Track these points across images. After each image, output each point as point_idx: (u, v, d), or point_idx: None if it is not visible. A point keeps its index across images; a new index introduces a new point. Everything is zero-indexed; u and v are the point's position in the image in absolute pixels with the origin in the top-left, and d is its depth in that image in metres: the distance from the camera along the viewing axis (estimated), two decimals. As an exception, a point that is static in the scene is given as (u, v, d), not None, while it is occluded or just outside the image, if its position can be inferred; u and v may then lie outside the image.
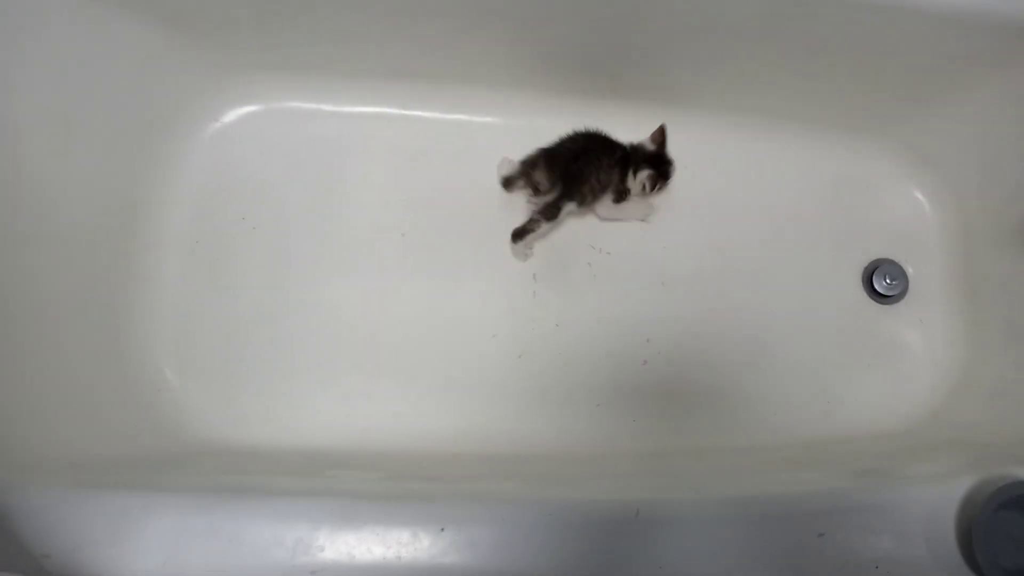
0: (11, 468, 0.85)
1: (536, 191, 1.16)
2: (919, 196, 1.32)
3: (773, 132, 1.31)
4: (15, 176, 1.01)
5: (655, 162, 1.19)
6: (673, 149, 1.21)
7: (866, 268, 1.29)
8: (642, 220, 1.26)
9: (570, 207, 1.16)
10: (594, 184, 1.16)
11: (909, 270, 1.29)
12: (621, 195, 1.20)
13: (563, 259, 1.24)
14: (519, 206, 1.22)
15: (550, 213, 1.15)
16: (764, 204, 1.30)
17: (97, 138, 1.11)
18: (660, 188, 1.20)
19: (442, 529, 0.78)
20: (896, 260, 1.29)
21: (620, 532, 0.80)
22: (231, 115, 1.22)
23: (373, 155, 1.24)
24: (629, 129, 1.20)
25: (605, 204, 1.22)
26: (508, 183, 1.19)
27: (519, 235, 1.17)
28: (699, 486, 0.92)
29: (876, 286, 1.27)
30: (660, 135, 1.20)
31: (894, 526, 0.83)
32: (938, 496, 0.84)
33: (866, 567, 0.81)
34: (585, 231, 1.24)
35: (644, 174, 1.17)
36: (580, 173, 1.15)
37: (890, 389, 1.24)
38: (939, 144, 1.27)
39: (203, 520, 0.77)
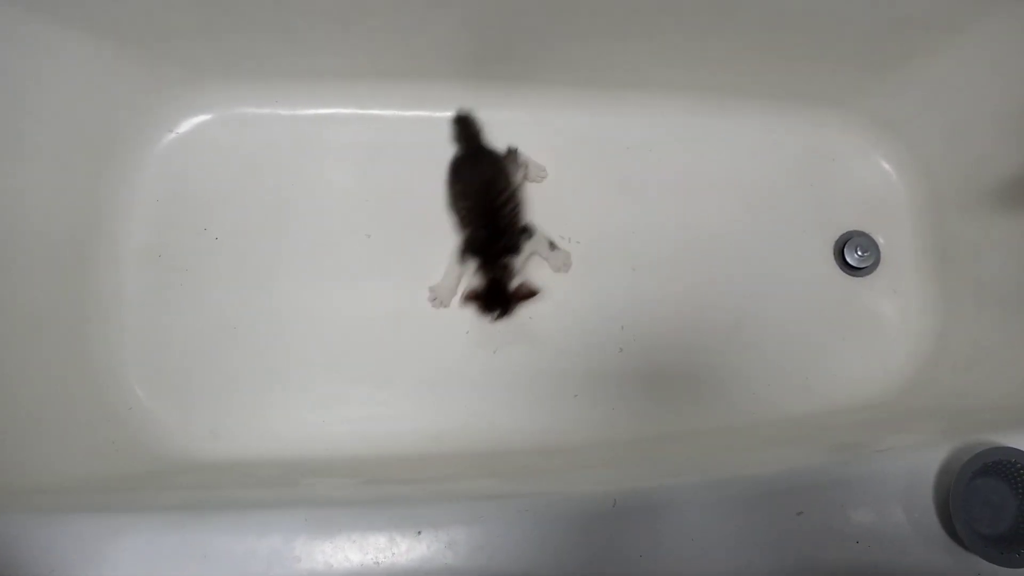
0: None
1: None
2: (886, 166, 1.32)
3: (735, 109, 1.30)
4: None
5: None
6: (636, 132, 1.21)
7: (837, 241, 1.29)
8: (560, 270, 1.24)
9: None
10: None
11: (880, 240, 1.29)
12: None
13: (532, 250, 1.23)
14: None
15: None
16: (731, 182, 1.29)
17: (51, 155, 1.09)
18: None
19: (419, 532, 0.77)
20: (867, 231, 1.29)
21: (599, 524, 0.79)
22: (186, 125, 1.20)
23: (332, 156, 1.23)
24: (587, 114, 1.20)
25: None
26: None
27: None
28: (678, 471, 0.92)
29: (848, 258, 1.27)
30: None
31: (873, 499, 0.82)
32: (915, 466, 0.84)
33: (847, 542, 0.81)
34: (553, 221, 1.23)
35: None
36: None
37: (866, 360, 1.24)
38: (902, 112, 1.27)
39: (177, 538, 0.76)
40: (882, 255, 1.28)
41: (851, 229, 1.29)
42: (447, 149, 1.20)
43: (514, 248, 1.15)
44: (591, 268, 1.23)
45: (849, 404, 1.19)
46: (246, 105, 1.22)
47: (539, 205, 1.24)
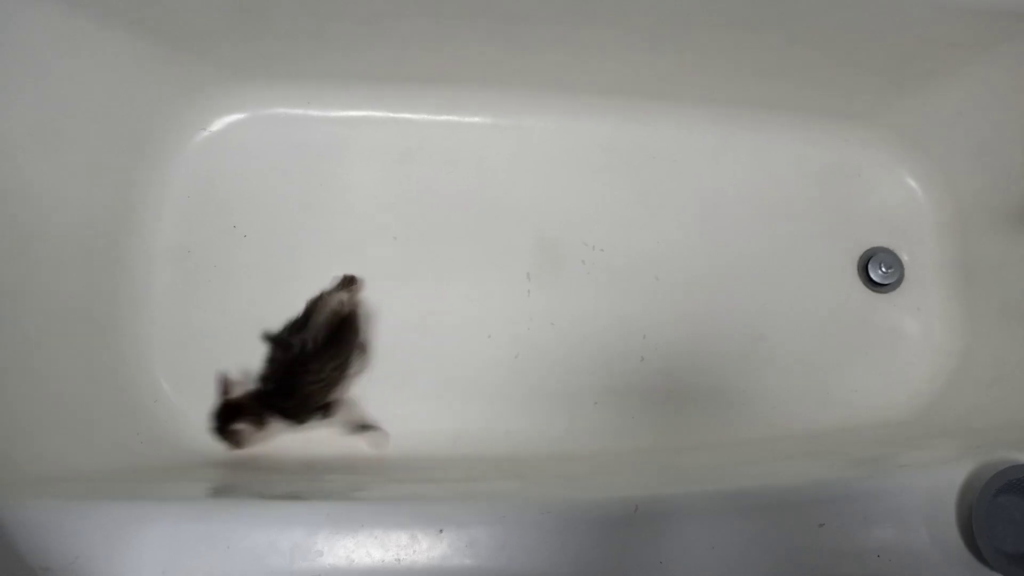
0: (8, 483, 0.85)
1: None
2: (911, 182, 1.32)
3: (761, 122, 1.30)
4: (2, 190, 1.01)
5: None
6: (661, 142, 1.21)
7: (861, 257, 1.29)
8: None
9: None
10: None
11: (904, 257, 1.29)
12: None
13: (557, 257, 1.23)
14: (515, 209, 1.23)
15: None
16: (755, 195, 1.29)
17: (85, 151, 1.10)
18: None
19: (440, 531, 0.77)
20: (891, 248, 1.29)
21: (619, 529, 0.79)
22: (218, 124, 1.22)
23: (362, 159, 1.24)
24: (612, 122, 1.20)
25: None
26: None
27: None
28: (698, 481, 0.92)
29: (872, 275, 1.26)
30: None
31: (895, 514, 0.82)
32: (938, 482, 0.83)
33: (868, 556, 0.80)
34: (578, 228, 1.24)
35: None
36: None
37: (889, 378, 1.23)
38: (928, 128, 1.27)
39: (200, 528, 0.77)
40: (906, 272, 1.28)
41: (875, 245, 1.29)
42: (476, 154, 1.21)
43: (289, 414, 1.05)
44: (614, 276, 1.24)
45: (871, 420, 1.19)
46: (278, 105, 1.23)
47: (563, 212, 1.24)
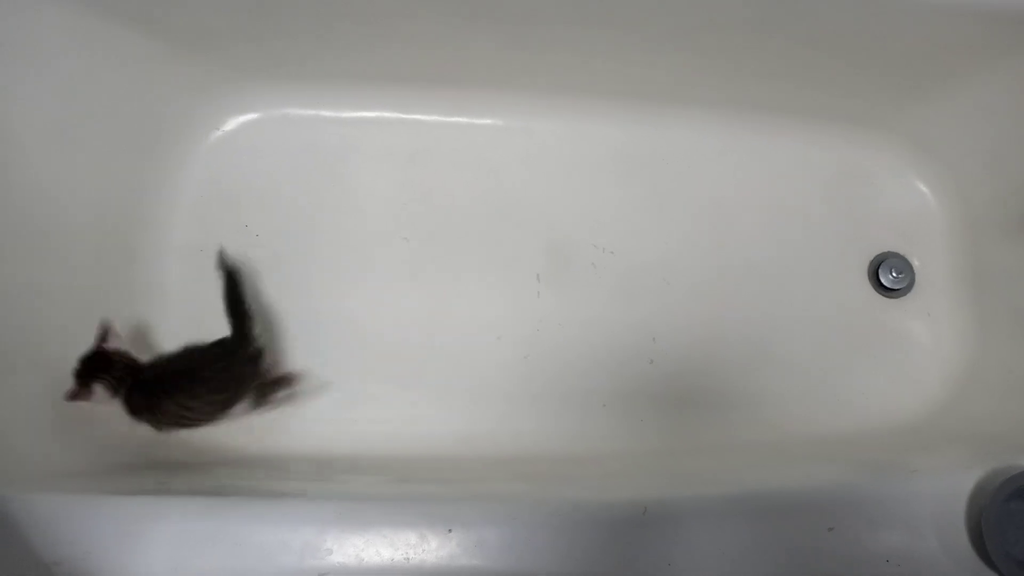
0: (19, 478, 0.86)
1: None
2: (923, 187, 1.31)
3: (773, 126, 1.30)
4: (18, 189, 1.02)
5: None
6: (672, 145, 1.22)
7: (871, 262, 1.28)
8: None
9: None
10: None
11: (915, 263, 1.28)
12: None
13: (567, 259, 1.24)
14: (525, 211, 1.24)
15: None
16: (766, 199, 1.29)
17: (99, 150, 1.11)
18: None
19: (450, 530, 0.77)
20: (902, 253, 1.29)
21: (628, 531, 0.79)
22: (231, 123, 1.23)
23: (373, 160, 1.25)
24: (622, 125, 1.20)
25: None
26: None
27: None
28: (707, 484, 0.92)
29: (882, 279, 1.26)
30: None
31: (904, 519, 0.82)
32: (948, 488, 0.83)
33: (877, 561, 0.80)
34: (588, 230, 1.24)
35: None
36: None
37: (899, 382, 1.23)
38: (941, 134, 1.27)
39: (210, 525, 0.77)
40: (917, 277, 1.28)
41: (886, 250, 1.29)
42: (486, 156, 1.22)
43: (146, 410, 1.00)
44: (624, 279, 1.24)
45: (880, 425, 1.19)
46: (291, 106, 1.24)
47: (573, 214, 1.25)
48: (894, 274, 1.26)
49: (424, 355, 1.18)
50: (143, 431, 1.01)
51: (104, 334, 0.99)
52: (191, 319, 1.16)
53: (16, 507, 0.77)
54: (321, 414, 1.14)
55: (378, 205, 1.23)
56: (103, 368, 0.97)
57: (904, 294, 1.27)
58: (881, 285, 1.26)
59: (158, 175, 1.19)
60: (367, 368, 1.17)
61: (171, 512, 0.78)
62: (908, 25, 1.07)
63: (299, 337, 1.17)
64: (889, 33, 1.09)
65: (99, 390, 0.96)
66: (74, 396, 0.95)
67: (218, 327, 1.07)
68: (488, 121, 1.23)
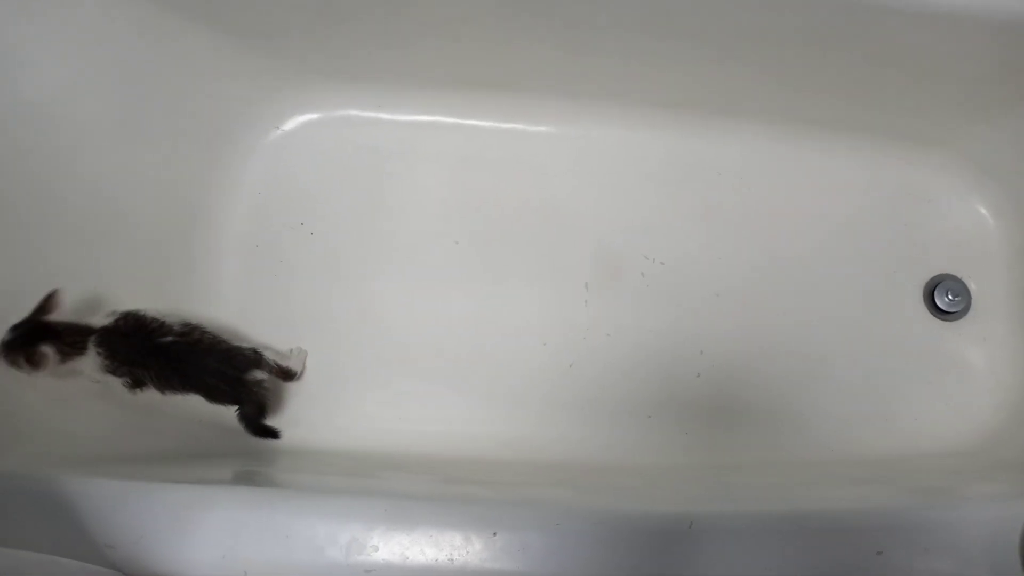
0: (77, 462, 0.88)
1: None
2: (982, 210, 1.29)
3: (829, 142, 1.29)
4: (84, 179, 1.05)
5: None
6: (726, 157, 1.22)
7: (927, 283, 1.26)
8: None
9: None
10: None
11: (972, 286, 1.26)
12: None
13: (616, 268, 1.23)
14: (576, 219, 1.24)
15: None
16: (822, 215, 1.28)
17: (162, 144, 1.15)
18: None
19: (495, 533, 0.77)
20: (958, 276, 1.26)
21: (672, 544, 0.79)
22: (292, 123, 1.25)
23: (428, 163, 1.26)
24: (675, 135, 1.21)
25: None
26: None
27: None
28: (753, 500, 0.91)
29: (938, 302, 1.24)
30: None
31: (956, 547, 0.80)
32: (1002, 517, 0.81)
33: (927, 587, 0.79)
34: (638, 240, 1.24)
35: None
36: None
37: (952, 407, 1.20)
38: (1004, 157, 1.24)
39: (261, 516, 0.78)
40: (973, 301, 1.25)
41: (943, 272, 1.26)
42: (540, 163, 1.23)
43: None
44: (675, 291, 1.23)
45: (931, 449, 1.16)
46: (350, 107, 1.26)
47: (623, 223, 1.25)
48: (950, 297, 1.24)
49: (470, 357, 1.19)
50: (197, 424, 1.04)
51: (45, 304, 0.96)
52: (241, 309, 1.19)
53: (74, 490, 0.79)
54: (366, 411, 1.16)
55: (430, 207, 1.25)
56: (48, 337, 0.94)
57: (960, 317, 1.25)
58: (936, 308, 1.24)
59: (218, 171, 1.22)
60: (413, 368, 1.18)
61: (222, 501, 0.79)
62: (978, 46, 1.05)
63: (347, 335, 1.19)
64: (959, 54, 1.07)
65: (48, 355, 0.94)
66: (13, 367, 0.93)
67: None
68: (542, 128, 1.23)
